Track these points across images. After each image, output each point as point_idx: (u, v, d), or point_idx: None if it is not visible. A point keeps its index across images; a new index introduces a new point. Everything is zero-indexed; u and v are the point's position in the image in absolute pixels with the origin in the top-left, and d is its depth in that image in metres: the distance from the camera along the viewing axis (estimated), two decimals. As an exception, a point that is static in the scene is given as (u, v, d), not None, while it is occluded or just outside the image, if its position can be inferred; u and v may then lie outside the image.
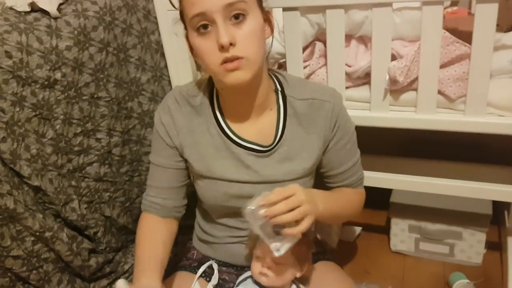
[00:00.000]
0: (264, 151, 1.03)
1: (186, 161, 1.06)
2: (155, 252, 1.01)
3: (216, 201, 1.07)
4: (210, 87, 1.05)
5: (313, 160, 1.05)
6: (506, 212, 1.57)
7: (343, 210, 1.09)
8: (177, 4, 0.95)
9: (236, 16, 0.88)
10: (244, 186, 1.04)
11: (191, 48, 0.97)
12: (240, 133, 1.03)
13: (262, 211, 0.87)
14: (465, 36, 1.10)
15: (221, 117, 1.03)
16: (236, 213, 1.00)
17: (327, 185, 1.13)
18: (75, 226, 1.25)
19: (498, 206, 1.56)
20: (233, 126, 1.03)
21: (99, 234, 1.31)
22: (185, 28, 0.96)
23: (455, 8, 1.30)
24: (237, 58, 0.88)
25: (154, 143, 1.09)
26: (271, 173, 1.03)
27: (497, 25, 1.03)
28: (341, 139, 1.05)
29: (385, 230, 1.67)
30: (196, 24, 0.89)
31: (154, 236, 1.05)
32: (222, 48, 0.87)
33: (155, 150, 1.09)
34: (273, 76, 1.06)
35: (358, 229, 1.75)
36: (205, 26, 0.88)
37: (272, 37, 1.02)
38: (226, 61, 0.88)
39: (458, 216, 1.48)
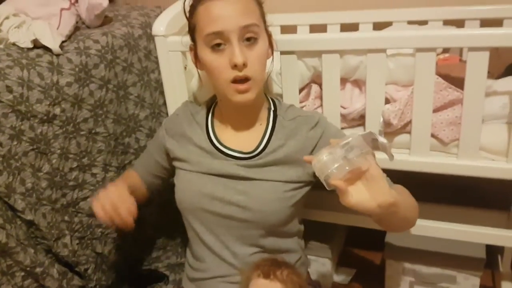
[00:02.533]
0: (244, 158, 1.06)
1: (172, 159, 1.16)
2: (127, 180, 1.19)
3: (192, 200, 1.09)
4: (211, 102, 1.16)
5: (292, 170, 1.05)
6: (499, 256, 1.56)
7: (409, 199, 1.02)
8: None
9: (248, 39, 0.95)
10: (219, 182, 1.06)
11: (196, 60, 1.05)
12: (224, 141, 1.09)
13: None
14: (458, 82, 1.13)
15: (211, 126, 1.12)
16: (215, 228, 1.06)
17: None
18: (66, 262, 1.23)
19: (492, 250, 1.56)
20: (220, 134, 1.10)
21: (89, 271, 1.30)
22: (192, 40, 1.02)
23: (447, 55, 1.33)
24: (247, 79, 0.95)
25: (156, 133, 1.25)
26: (248, 175, 1.05)
27: (488, 72, 1.05)
28: (328, 136, 1.05)
29: (380, 271, 1.65)
30: (211, 42, 0.94)
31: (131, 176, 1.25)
32: (235, 67, 0.93)
33: (153, 138, 1.26)
34: (269, 97, 1.14)
35: (352, 271, 1.73)
36: (218, 44, 0.94)
37: (273, 58, 1.08)
38: (236, 79, 0.94)
39: (452, 259, 1.47)
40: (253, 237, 1.07)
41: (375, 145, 0.86)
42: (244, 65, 0.93)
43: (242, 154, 1.07)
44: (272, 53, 1.07)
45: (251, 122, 1.09)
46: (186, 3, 1.03)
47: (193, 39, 1.03)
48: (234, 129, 1.11)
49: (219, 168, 1.06)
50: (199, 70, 1.11)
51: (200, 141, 1.10)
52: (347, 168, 0.82)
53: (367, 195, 0.84)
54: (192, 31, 1.01)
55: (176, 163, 1.15)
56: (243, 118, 1.09)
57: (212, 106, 1.15)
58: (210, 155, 1.09)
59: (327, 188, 0.85)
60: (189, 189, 1.10)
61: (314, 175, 0.95)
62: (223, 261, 1.09)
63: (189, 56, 1.26)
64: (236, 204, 1.04)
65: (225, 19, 0.93)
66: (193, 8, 0.99)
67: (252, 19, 0.95)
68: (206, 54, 0.97)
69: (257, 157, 1.05)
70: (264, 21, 1.02)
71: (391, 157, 0.87)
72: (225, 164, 1.06)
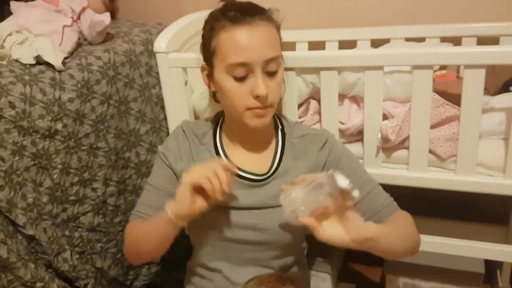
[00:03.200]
0: (258, 180, 1.05)
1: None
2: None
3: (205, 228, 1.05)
4: (215, 121, 1.13)
5: None
6: (498, 271, 1.56)
7: (402, 230, 1.01)
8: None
9: (269, 73, 0.96)
10: (237, 212, 1.04)
11: (209, 81, 1.04)
12: (236, 162, 1.05)
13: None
14: (454, 99, 1.14)
15: (221, 147, 1.09)
16: (228, 251, 1.04)
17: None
18: (66, 277, 1.23)
19: (491, 265, 1.56)
20: (231, 155, 1.08)
21: (89, 286, 1.29)
22: (207, 60, 1.01)
23: (444, 71, 1.35)
24: (266, 107, 0.96)
25: (154, 166, 1.13)
26: (262, 201, 1.03)
27: (485, 88, 1.07)
28: (346, 164, 1.06)
29: (380, 287, 1.65)
30: (234, 71, 0.94)
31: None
32: (257, 97, 0.95)
33: (154, 172, 1.12)
34: (275, 115, 1.13)
35: (352, 287, 1.72)
36: (239, 75, 0.95)
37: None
38: (255, 108, 0.96)
39: (451, 274, 1.47)
40: (266, 258, 1.07)
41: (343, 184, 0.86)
42: (266, 97, 0.95)
43: (255, 176, 1.05)
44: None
45: (262, 142, 1.09)
46: (204, 22, 1.02)
47: (208, 60, 1.01)
48: (245, 149, 1.09)
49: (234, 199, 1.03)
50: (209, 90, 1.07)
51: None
52: (313, 206, 0.86)
53: (341, 230, 0.86)
54: (210, 53, 0.99)
55: None
56: (254, 139, 1.08)
57: (219, 125, 1.12)
58: None
59: (294, 222, 0.88)
60: (210, 218, 1.03)
61: None
62: (230, 283, 1.08)
63: (190, 72, 1.28)
64: (252, 228, 1.03)
65: (251, 51, 0.93)
66: (213, 31, 0.97)
67: (276, 50, 0.96)
68: (227, 81, 0.96)
69: (270, 178, 1.05)
70: (281, 44, 1.02)
71: (351, 199, 0.86)
72: (239, 193, 1.04)
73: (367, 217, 1.02)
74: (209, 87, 1.06)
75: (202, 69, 1.05)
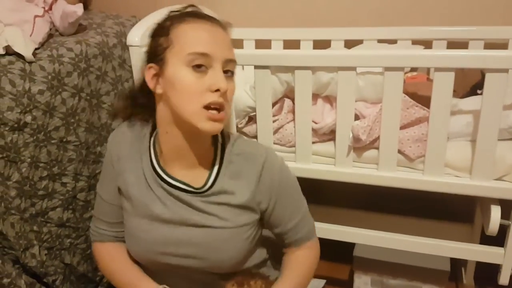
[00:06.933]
0: (195, 192, 1.00)
1: (119, 191, 1.05)
2: (135, 268, 1.07)
3: (144, 254, 1.03)
4: (153, 125, 1.06)
5: (245, 216, 1.02)
6: (463, 269, 1.61)
7: (307, 278, 1.10)
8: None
9: (226, 71, 0.94)
10: (172, 228, 1.01)
11: (156, 81, 0.95)
12: (173, 174, 1.01)
13: None
14: (424, 100, 1.17)
15: (154, 155, 1.03)
16: (173, 275, 1.04)
17: (283, 243, 1.11)
18: (34, 273, 1.21)
19: (456, 263, 1.61)
20: (166, 166, 1.02)
21: (57, 282, 1.28)
22: (153, 60, 0.95)
23: (415, 73, 1.38)
24: (221, 108, 0.92)
25: (102, 172, 1.11)
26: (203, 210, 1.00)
27: (454, 91, 1.10)
28: (284, 192, 1.04)
29: (348, 284, 1.67)
30: (193, 61, 0.90)
31: (122, 259, 1.09)
32: (216, 91, 0.90)
33: (102, 181, 1.11)
34: None
35: (322, 282, 1.75)
36: (199, 65, 0.90)
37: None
38: (211, 105, 0.90)
39: (418, 271, 1.50)
40: (215, 278, 1.04)
41: None
42: (225, 93, 0.92)
43: (191, 187, 1.00)
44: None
45: (199, 155, 1.01)
46: (158, 21, 0.99)
47: (158, 57, 0.94)
48: (179, 162, 1.01)
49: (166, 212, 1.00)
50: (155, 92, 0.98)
51: (145, 170, 1.02)
52: None
53: None
54: (162, 49, 0.94)
55: (122, 201, 1.06)
56: (192, 151, 1.00)
57: (155, 131, 1.05)
58: (153, 188, 1.01)
59: None
60: (138, 238, 1.02)
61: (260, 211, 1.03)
62: None
63: None
64: (193, 256, 1.00)
65: (213, 45, 0.91)
66: (172, 25, 0.94)
67: (234, 56, 0.95)
68: (184, 74, 0.91)
69: (205, 193, 1.00)
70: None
71: None
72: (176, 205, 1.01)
73: (284, 242, 1.09)
74: (154, 89, 0.96)
75: (149, 68, 0.96)
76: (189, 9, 0.99)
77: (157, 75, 0.95)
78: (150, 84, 0.97)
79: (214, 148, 1.04)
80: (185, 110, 0.92)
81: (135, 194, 1.02)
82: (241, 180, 1.01)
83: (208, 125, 0.91)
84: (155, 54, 0.95)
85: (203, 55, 0.90)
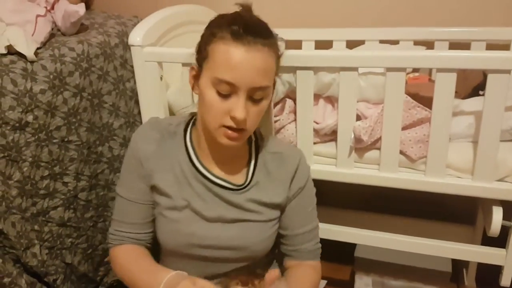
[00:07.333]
0: (235, 189, 1.04)
1: (154, 189, 1.05)
2: (152, 262, 1.05)
3: (179, 245, 1.04)
4: (187, 122, 1.08)
5: (274, 212, 1.07)
6: (464, 270, 1.61)
7: None
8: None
9: (253, 97, 0.94)
10: (212, 225, 1.03)
11: (195, 82, 0.99)
12: (212, 170, 1.05)
13: None
14: (426, 101, 1.17)
15: (193, 151, 1.05)
16: (203, 266, 1.04)
17: (285, 251, 1.13)
18: (34, 272, 1.21)
19: (457, 264, 1.60)
20: (205, 162, 1.05)
21: (58, 282, 1.28)
22: (198, 63, 0.98)
23: (417, 74, 1.37)
24: (240, 130, 0.94)
25: (124, 172, 1.09)
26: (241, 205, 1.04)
27: (456, 92, 1.10)
28: (304, 198, 1.09)
29: (350, 284, 1.67)
30: (219, 87, 0.91)
31: (142, 255, 1.07)
32: (233, 119, 0.92)
33: (125, 182, 1.08)
34: None
35: (323, 283, 1.74)
36: (223, 90, 0.92)
37: (271, 101, 1.08)
38: (229, 128, 0.93)
39: (419, 272, 1.50)
40: (239, 268, 1.07)
41: None
42: (243, 121, 0.92)
43: (231, 185, 1.04)
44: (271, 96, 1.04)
45: (234, 152, 1.06)
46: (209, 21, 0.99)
47: (200, 62, 0.97)
48: (216, 159, 1.05)
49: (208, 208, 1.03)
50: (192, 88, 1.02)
51: (180, 166, 1.04)
52: None
53: None
54: (202, 57, 0.96)
55: (156, 197, 1.06)
56: (225, 152, 1.04)
57: (189, 128, 1.08)
58: (193, 184, 1.03)
59: None
60: (177, 231, 1.04)
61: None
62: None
63: (165, 67, 1.26)
64: (232, 248, 1.04)
65: (241, 73, 0.89)
66: (213, 37, 0.93)
67: (266, 80, 0.93)
68: (210, 92, 0.93)
69: (243, 190, 1.04)
70: (277, 73, 1.01)
71: None
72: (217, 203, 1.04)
73: (287, 247, 1.12)
74: (192, 88, 1.01)
75: (191, 69, 1.00)
76: (238, 19, 0.92)
77: (196, 77, 0.99)
78: (190, 82, 1.01)
79: (248, 146, 1.08)
80: (208, 122, 0.96)
81: (174, 191, 1.03)
82: (276, 178, 1.06)
83: (225, 141, 0.95)
84: (198, 57, 0.98)
85: (228, 83, 0.90)
